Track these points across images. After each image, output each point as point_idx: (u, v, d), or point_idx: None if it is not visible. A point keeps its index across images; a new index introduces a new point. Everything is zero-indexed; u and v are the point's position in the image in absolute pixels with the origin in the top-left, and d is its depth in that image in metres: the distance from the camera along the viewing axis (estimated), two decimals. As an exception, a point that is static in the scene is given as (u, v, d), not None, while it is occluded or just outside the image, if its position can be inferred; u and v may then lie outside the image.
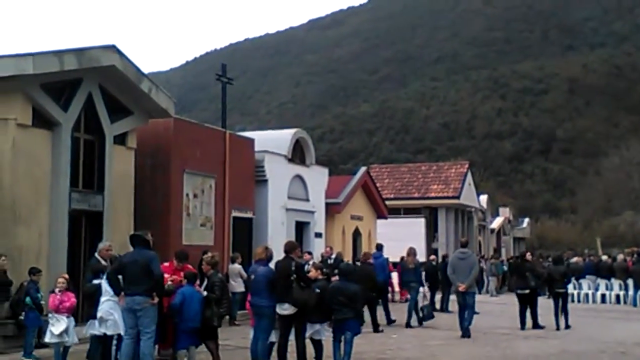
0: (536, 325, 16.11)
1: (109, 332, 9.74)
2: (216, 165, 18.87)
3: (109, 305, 9.68)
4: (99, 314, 9.78)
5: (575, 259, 28.09)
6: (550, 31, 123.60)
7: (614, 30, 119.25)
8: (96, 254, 10.84)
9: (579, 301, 25.19)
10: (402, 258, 25.65)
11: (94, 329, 9.94)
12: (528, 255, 17.62)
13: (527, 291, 16.09)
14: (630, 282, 24.86)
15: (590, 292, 26.29)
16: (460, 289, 14.42)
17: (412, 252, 18.26)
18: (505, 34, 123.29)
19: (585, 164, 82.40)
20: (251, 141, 20.73)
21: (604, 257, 30.41)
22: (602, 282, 26.28)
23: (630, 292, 24.74)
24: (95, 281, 10.16)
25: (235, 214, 19.49)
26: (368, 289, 15.04)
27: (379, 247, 19.31)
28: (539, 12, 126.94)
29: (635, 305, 23.78)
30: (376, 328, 15.41)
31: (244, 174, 19.98)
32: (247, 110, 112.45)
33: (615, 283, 25.77)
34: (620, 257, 28.06)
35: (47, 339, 10.42)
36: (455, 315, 17.44)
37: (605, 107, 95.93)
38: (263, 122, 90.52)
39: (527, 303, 16.16)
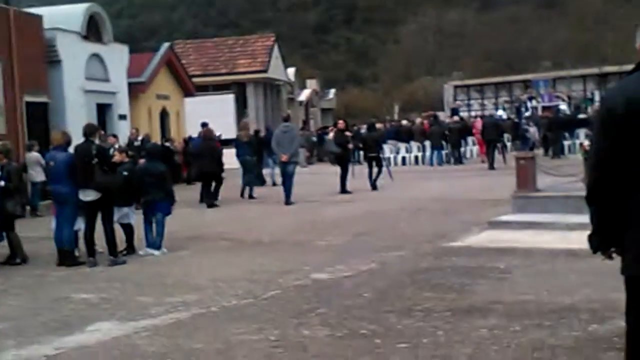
0: (344, 191, 16.91)
1: None
2: (1, 47, 17.19)
3: None
4: None
5: (378, 126, 29.37)
6: None
7: None
8: None
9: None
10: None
11: None
12: (341, 124, 18.26)
13: (332, 157, 16.88)
14: (427, 143, 26.64)
15: (392, 155, 27.85)
16: (283, 159, 15.41)
17: (245, 126, 19.15)
18: None
19: (385, 32, 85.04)
20: (39, 18, 19.03)
21: (404, 122, 32.17)
22: (402, 146, 27.92)
23: (428, 153, 26.57)
24: None
25: (27, 98, 18.10)
26: (214, 165, 15.42)
27: (204, 125, 19.07)
28: None
29: (431, 164, 25.61)
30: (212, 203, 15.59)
31: (33, 55, 18.43)
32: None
33: (414, 145, 27.51)
34: (418, 120, 29.89)
35: None
36: (267, 188, 17.89)
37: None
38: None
39: (342, 167, 16.97)
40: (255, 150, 18.49)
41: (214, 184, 15.98)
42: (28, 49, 18.07)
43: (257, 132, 24.17)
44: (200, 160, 15.75)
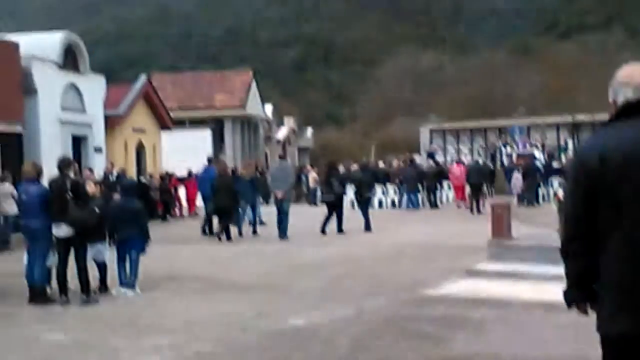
0: (340, 230, 16.97)
1: None
2: (-24, 74, 17.01)
3: None
4: None
5: (354, 167, 29.46)
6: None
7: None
8: None
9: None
10: (189, 172, 25.57)
11: None
12: (338, 165, 18.78)
13: (333, 198, 16.95)
14: (403, 186, 26.65)
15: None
16: (279, 196, 16.12)
17: (249, 164, 20.17)
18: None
19: (363, 72, 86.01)
20: (15, 46, 18.83)
21: (381, 164, 32.26)
22: (379, 188, 27.91)
23: (404, 196, 26.58)
24: None
25: (1, 128, 17.83)
26: (228, 199, 15.88)
27: (210, 161, 19.92)
28: None
29: (408, 208, 25.61)
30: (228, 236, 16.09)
31: (8, 83, 18.20)
32: (9, 11, 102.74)
33: (391, 188, 27.52)
34: (395, 163, 29.92)
35: None
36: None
37: (381, 15, 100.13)
38: (27, 25, 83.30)
39: (334, 209, 16.98)
40: (256, 189, 18.79)
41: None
42: (3, 77, 17.87)
43: (234, 171, 24.21)
44: (216, 195, 16.09)
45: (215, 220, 16.85)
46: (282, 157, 18.64)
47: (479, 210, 22.37)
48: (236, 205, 16.47)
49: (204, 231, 17.16)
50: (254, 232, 17.31)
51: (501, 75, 59.39)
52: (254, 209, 18.05)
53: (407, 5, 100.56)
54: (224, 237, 15.96)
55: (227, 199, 15.84)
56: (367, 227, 17.46)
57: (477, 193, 23.31)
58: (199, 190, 18.87)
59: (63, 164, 9.65)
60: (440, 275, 10.77)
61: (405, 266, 12.03)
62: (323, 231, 16.76)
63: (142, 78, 27.95)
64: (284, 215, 16.10)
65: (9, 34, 21.18)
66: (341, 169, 20.13)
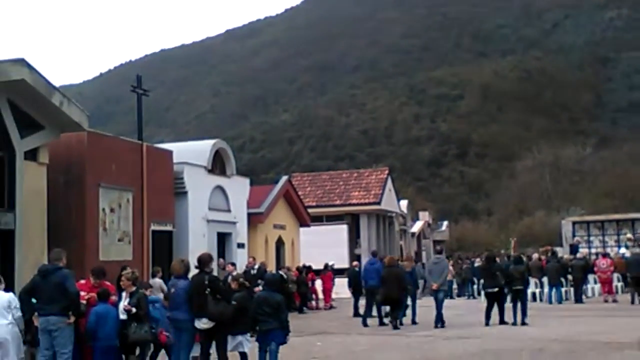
0: (502, 321, 17.01)
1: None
2: (133, 178, 18.49)
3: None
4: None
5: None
6: (463, 38, 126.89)
7: (523, 36, 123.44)
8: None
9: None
10: (325, 265, 25.97)
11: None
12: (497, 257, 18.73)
13: (496, 289, 17.11)
14: (545, 280, 25.68)
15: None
16: (434, 287, 17.24)
17: (409, 256, 21.32)
18: (421, 42, 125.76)
19: (499, 167, 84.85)
20: (169, 153, 20.42)
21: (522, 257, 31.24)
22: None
23: (545, 289, 25.56)
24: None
25: (154, 227, 19.14)
26: (397, 290, 16.75)
27: (375, 254, 21.00)
28: (453, 19, 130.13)
29: (550, 302, 24.55)
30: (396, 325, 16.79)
31: (162, 186, 19.65)
32: (165, 122, 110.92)
33: (531, 281, 26.52)
34: (535, 256, 28.95)
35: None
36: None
37: (517, 111, 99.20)
38: (182, 133, 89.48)
39: (495, 301, 17.18)
40: (416, 280, 19.35)
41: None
42: (158, 181, 19.30)
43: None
44: (386, 285, 16.89)
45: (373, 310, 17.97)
46: (439, 251, 19.68)
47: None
48: (404, 295, 17.18)
49: (364, 322, 17.77)
50: (401, 322, 17.47)
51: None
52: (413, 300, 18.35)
53: (545, 101, 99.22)
54: (390, 325, 16.78)
55: (396, 289, 16.55)
56: (523, 321, 17.13)
57: (638, 285, 22.53)
58: (364, 280, 19.47)
59: (202, 262, 10.20)
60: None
61: (549, 362, 11.52)
62: (487, 324, 16.87)
63: (283, 178, 29.23)
64: (438, 303, 16.93)
65: (168, 143, 23.00)
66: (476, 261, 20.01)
